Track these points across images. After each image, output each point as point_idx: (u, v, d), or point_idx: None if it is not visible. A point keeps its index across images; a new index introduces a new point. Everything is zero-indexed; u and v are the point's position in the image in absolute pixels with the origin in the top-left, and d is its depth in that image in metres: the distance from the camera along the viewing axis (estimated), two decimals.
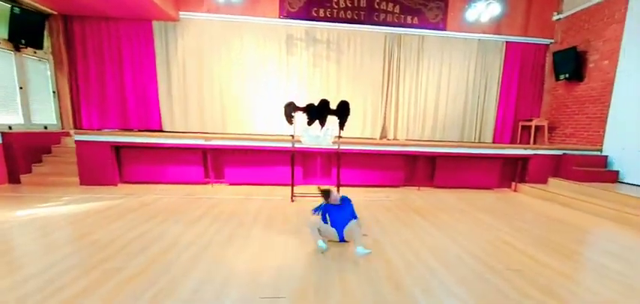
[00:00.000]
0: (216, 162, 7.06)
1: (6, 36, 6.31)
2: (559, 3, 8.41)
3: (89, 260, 3.15)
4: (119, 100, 7.92)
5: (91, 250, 3.39)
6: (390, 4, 8.06)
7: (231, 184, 7.00)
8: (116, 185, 6.58)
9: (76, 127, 7.73)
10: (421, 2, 8.12)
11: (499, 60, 8.61)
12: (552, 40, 8.58)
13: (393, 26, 8.16)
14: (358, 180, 7.14)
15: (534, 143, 8.44)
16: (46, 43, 7.26)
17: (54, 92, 7.54)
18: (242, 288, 2.71)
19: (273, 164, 6.98)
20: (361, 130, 8.49)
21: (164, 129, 7.99)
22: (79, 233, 3.92)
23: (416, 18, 8.17)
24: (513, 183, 7.64)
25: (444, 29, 8.29)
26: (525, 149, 7.44)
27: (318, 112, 5.50)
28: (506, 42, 8.52)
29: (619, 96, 6.92)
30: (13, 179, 6.35)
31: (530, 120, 8.55)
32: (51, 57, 7.42)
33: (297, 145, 6.00)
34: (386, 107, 8.56)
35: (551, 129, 8.62)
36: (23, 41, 6.55)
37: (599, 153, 7.24)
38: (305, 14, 7.91)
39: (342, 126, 5.62)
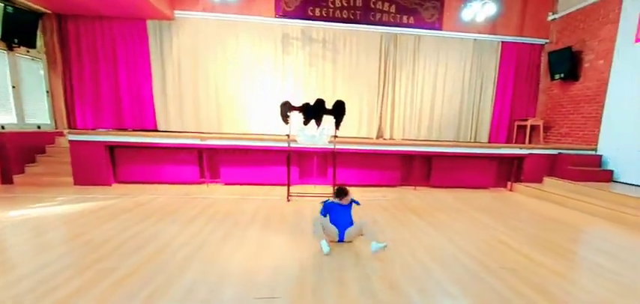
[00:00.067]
0: (212, 162, 7.03)
1: None
2: (554, 3, 8.46)
3: (83, 260, 3.13)
4: (113, 100, 7.86)
5: (84, 250, 3.36)
6: (386, 4, 8.06)
7: (226, 184, 6.97)
8: (111, 185, 6.54)
9: (70, 127, 7.65)
10: (417, 2, 8.13)
11: (495, 60, 8.64)
12: (547, 40, 8.63)
13: (389, 26, 8.16)
14: (355, 179, 7.14)
15: (530, 142, 8.48)
16: (40, 42, 7.19)
17: (47, 91, 7.47)
18: (237, 288, 2.70)
19: (269, 164, 6.96)
20: (357, 130, 8.48)
21: (159, 129, 7.93)
22: (72, 233, 3.88)
23: (412, 18, 8.18)
24: (509, 183, 7.68)
25: (439, 29, 8.31)
26: (521, 148, 7.47)
27: (314, 112, 5.49)
28: (502, 42, 8.55)
29: (613, 96, 6.97)
30: (6, 179, 6.28)
31: (526, 120, 8.59)
32: (44, 56, 7.35)
33: (293, 145, 5.98)
34: (382, 107, 8.56)
35: (547, 128, 8.67)
36: (16, 40, 6.47)
37: (593, 152, 7.29)
38: (301, 13, 7.89)
39: (337, 125, 5.61)
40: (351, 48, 8.23)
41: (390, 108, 8.57)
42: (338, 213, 3.76)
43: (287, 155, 5.95)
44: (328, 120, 5.57)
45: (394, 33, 8.25)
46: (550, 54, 8.37)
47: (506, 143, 8.67)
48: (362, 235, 3.67)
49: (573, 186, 6.55)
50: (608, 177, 6.87)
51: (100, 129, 7.35)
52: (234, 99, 8.09)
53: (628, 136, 6.65)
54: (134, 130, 7.43)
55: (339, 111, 5.52)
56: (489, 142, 8.78)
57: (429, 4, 8.18)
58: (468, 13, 7.47)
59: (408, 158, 7.44)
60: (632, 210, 5.15)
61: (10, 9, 6.25)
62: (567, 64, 7.80)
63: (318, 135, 5.58)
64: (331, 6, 7.93)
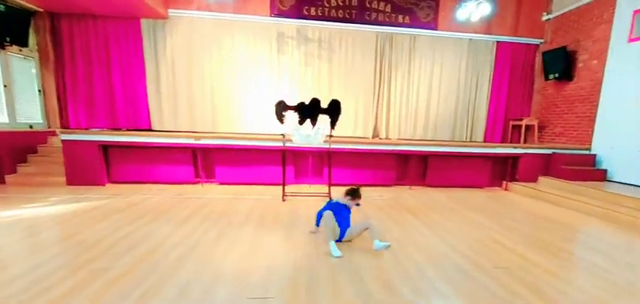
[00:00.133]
0: (207, 162, 6.99)
1: None
2: (548, 3, 8.51)
3: (76, 260, 3.09)
4: (107, 99, 7.77)
5: (77, 250, 3.33)
6: (382, 3, 8.06)
7: (221, 184, 6.94)
8: (104, 185, 6.48)
9: (62, 126, 7.56)
10: (412, 1, 8.14)
11: (490, 60, 8.68)
12: (542, 40, 8.68)
13: (384, 25, 8.16)
14: (350, 179, 7.10)
15: (525, 142, 8.54)
16: (32, 40, 7.09)
17: (40, 90, 7.38)
18: (230, 288, 2.67)
19: (264, 163, 6.93)
20: (353, 129, 8.48)
21: (153, 129, 7.86)
22: (65, 233, 3.84)
23: (407, 17, 8.19)
24: (504, 182, 7.71)
25: (435, 29, 8.33)
26: (516, 148, 7.51)
27: (309, 111, 5.46)
28: (497, 42, 8.59)
29: (607, 95, 7.02)
30: None
31: (521, 120, 8.63)
32: (37, 55, 7.26)
33: (288, 144, 5.96)
34: (377, 106, 8.56)
35: (541, 128, 8.71)
36: (8, 39, 6.38)
37: (587, 152, 7.34)
38: (296, 13, 7.87)
39: (333, 125, 5.59)
40: (347, 47, 8.22)
41: (386, 108, 8.58)
42: (341, 214, 3.76)
43: (282, 154, 5.93)
44: (324, 119, 5.54)
45: (390, 32, 8.25)
46: (544, 54, 8.42)
47: (502, 142, 8.71)
48: (366, 229, 3.65)
49: (568, 186, 6.58)
50: (601, 176, 6.91)
51: (94, 129, 7.29)
52: (229, 98, 8.05)
53: (622, 135, 6.70)
54: (128, 130, 7.37)
55: (334, 110, 5.51)
56: (485, 142, 8.81)
57: (425, 3, 8.19)
58: (463, 13, 7.48)
59: (403, 157, 7.45)
60: (626, 210, 5.19)
61: (1, 7, 6.16)
62: (561, 64, 7.85)
63: (313, 135, 5.56)
64: (327, 5, 7.92)
